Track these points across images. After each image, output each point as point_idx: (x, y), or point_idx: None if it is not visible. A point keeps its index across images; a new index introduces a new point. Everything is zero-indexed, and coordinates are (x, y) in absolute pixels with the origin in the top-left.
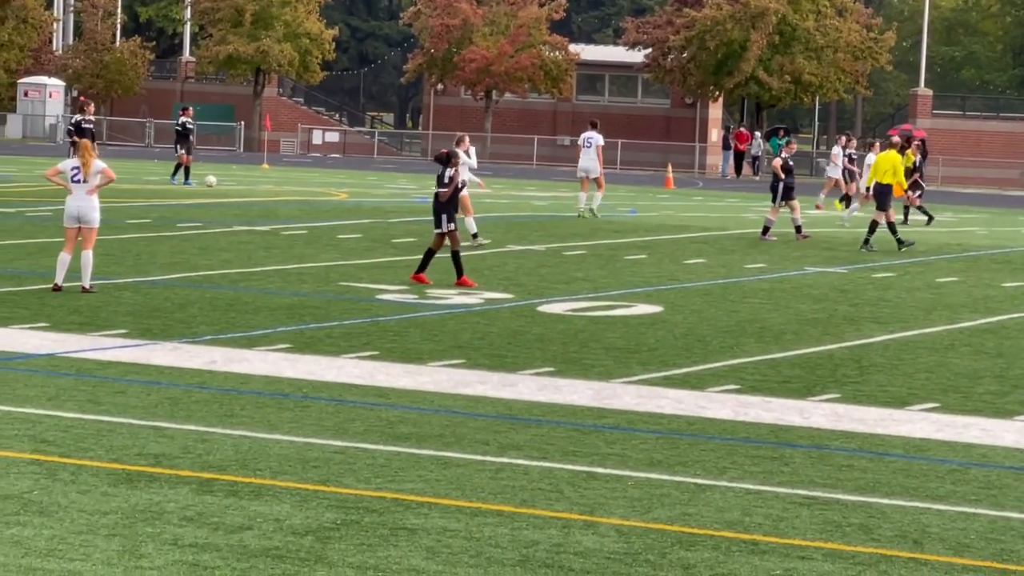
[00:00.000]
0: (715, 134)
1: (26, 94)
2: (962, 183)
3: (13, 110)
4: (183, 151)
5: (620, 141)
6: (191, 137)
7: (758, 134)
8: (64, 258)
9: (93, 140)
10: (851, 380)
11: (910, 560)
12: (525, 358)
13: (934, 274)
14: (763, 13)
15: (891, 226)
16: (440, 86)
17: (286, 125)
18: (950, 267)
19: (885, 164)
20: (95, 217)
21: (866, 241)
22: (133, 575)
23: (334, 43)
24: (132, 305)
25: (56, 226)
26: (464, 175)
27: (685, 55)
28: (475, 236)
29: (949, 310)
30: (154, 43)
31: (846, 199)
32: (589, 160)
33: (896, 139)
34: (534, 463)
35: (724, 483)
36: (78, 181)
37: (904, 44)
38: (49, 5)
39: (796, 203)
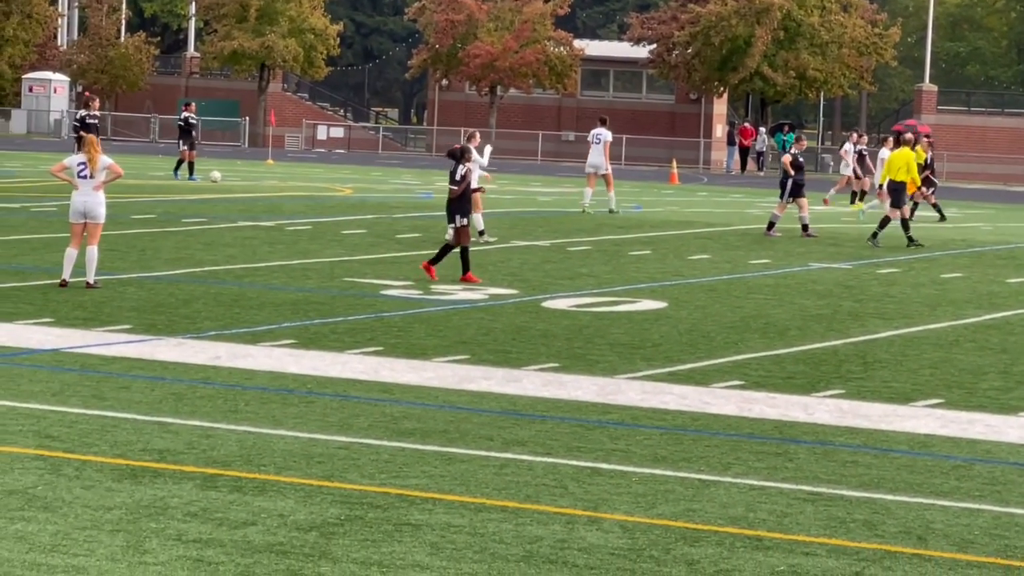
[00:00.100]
0: (720, 130)
1: (31, 89)
2: (967, 179)
3: (18, 105)
4: (185, 147)
5: (624, 137)
6: (194, 132)
7: (763, 130)
8: (71, 254)
9: (97, 136)
10: (855, 376)
11: (914, 556)
12: (529, 354)
13: (939, 270)
14: (768, 8)
15: (904, 223)
16: (445, 82)
17: (291, 120)
18: (955, 263)
19: (899, 161)
20: (101, 213)
21: (874, 235)
22: (137, 571)
23: (339, 38)
24: (136, 301)
25: (60, 221)
26: (475, 172)
27: (690, 51)
28: (481, 233)
29: (954, 306)
30: (159, 38)
31: (860, 195)
32: (598, 156)
33: (909, 136)
34: (538, 459)
35: (728, 479)
36: (84, 177)
37: (909, 40)
38: (53, 0)
39: (805, 201)
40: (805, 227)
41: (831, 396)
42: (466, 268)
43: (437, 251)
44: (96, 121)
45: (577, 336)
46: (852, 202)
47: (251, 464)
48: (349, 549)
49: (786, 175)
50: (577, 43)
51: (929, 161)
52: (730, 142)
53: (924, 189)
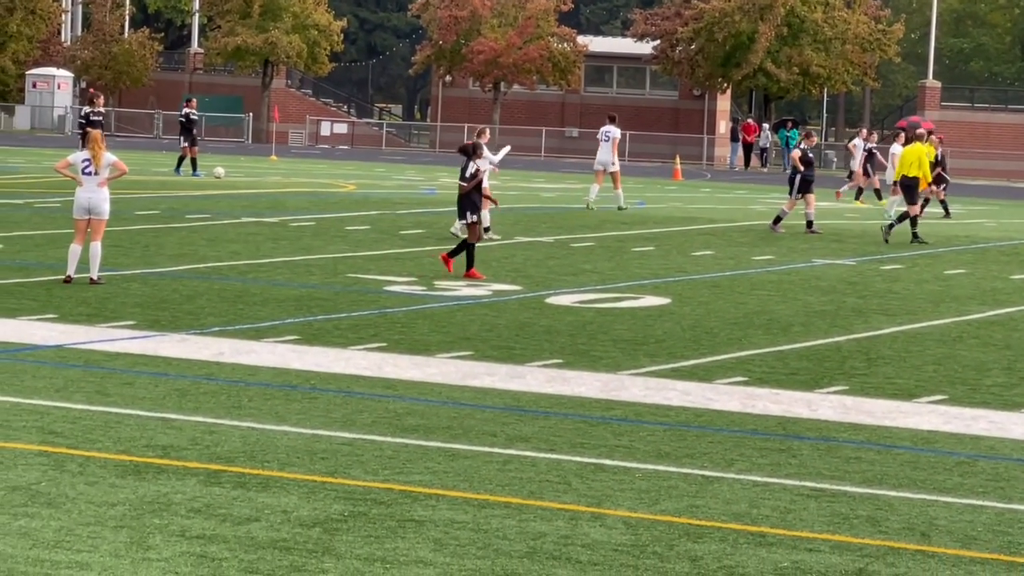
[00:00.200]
0: (723, 126)
1: (34, 85)
2: (970, 175)
3: (22, 101)
4: (187, 143)
5: (628, 133)
6: (194, 128)
7: (766, 126)
8: (75, 250)
9: (102, 132)
10: (859, 372)
11: (917, 552)
12: (533, 350)
13: (942, 266)
14: (771, 5)
15: (913, 219)
16: (448, 78)
17: (294, 116)
18: (958, 259)
19: (911, 157)
20: (105, 209)
21: (914, 235)
22: (140, 567)
23: (342, 34)
24: (140, 296)
25: (64, 217)
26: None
27: (693, 47)
28: (487, 230)
29: (957, 302)
30: (162, 34)
31: (875, 193)
32: (607, 153)
33: (921, 130)
34: (542, 455)
35: (732, 475)
36: (89, 173)
37: (912, 36)
38: None
39: (812, 197)
40: (810, 223)
41: (835, 392)
42: (470, 264)
43: (455, 245)
44: (100, 118)
45: (581, 332)
46: (856, 198)
47: (254, 460)
48: (352, 545)
49: (795, 171)
50: (581, 39)
51: (940, 158)
52: (734, 138)
53: (935, 186)
